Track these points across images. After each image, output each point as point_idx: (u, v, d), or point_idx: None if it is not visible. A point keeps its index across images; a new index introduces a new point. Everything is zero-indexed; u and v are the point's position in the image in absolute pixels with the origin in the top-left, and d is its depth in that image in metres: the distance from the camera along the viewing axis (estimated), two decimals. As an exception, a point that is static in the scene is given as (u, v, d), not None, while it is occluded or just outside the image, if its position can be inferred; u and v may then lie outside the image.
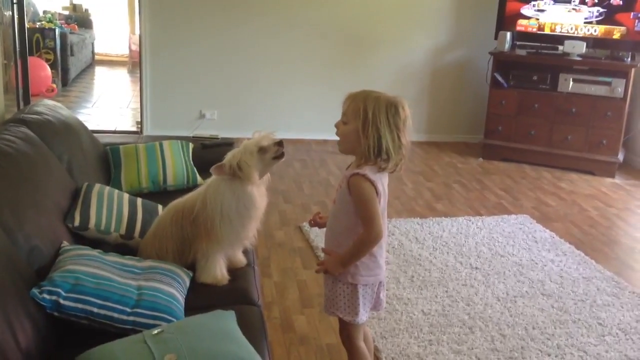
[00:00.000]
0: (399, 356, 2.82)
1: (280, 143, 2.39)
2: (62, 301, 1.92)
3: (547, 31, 5.88)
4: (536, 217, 4.64)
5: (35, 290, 1.90)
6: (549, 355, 2.90)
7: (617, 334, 3.12)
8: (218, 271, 2.42)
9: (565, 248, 4.10)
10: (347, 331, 2.36)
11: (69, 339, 1.98)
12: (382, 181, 2.18)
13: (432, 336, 3.00)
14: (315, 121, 6.36)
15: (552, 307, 3.34)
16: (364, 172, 2.12)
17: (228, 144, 3.86)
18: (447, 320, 3.15)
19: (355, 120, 2.10)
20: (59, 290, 1.93)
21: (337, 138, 2.20)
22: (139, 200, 2.88)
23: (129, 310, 1.99)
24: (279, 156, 2.40)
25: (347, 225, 2.22)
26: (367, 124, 2.08)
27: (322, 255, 3.39)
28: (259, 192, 2.44)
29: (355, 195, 2.15)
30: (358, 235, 2.18)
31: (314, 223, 2.47)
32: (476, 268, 3.74)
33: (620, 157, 5.76)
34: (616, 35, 5.62)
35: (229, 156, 2.39)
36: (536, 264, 3.85)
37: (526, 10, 5.91)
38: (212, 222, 2.39)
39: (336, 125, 2.20)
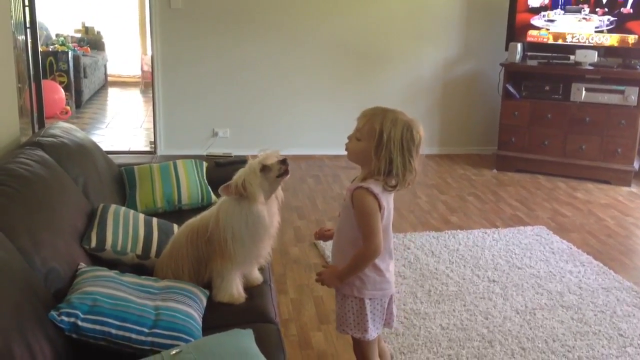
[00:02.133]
0: (418, 372, 2.80)
1: (283, 161, 2.36)
2: (80, 323, 1.92)
3: (558, 41, 5.87)
4: (552, 228, 4.60)
5: (53, 313, 1.90)
6: (571, 367, 2.87)
7: (638, 344, 3.08)
8: (234, 290, 2.42)
9: (583, 258, 4.06)
10: (361, 349, 2.35)
11: (88, 360, 1.98)
12: (387, 197, 2.17)
13: (451, 351, 2.97)
14: (328, 136, 6.37)
15: (572, 318, 3.31)
16: (368, 186, 2.12)
17: (241, 162, 3.86)
18: (466, 334, 3.13)
19: (369, 140, 2.10)
20: (77, 312, 1.93)
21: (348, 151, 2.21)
22: (155, 220, 2.89)
23: (147, 330, 1.99)
24: (282, 174, 2.37)
25: (351, 239, 2.21)
26: (381, 147, 2.07)
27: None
28: (269, 211, 2.42)
29: (357, 208, 2.15)
30: (358, 249, 2.18)
31: (319, 236, 2.48)
32: (494, 281, 3.71)
33: (636, 165, 5.71)
34: (628, 43, 5.59)
35: (235, 176, 2.40)
36: (554, 275, 3.81)
37: (536, 20, 5.90)
38: (224, 242, 2.39)
39: (349, 138, 2.19)
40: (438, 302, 3.44)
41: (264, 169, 2.35)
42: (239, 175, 2.38)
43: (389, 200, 2.18)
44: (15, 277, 1.84)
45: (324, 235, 2.48)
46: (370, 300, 2.25)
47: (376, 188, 2.12)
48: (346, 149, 2.20)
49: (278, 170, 2.36)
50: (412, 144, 2.09)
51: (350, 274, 2.21)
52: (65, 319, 1.91)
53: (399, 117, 2.10)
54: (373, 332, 2.28)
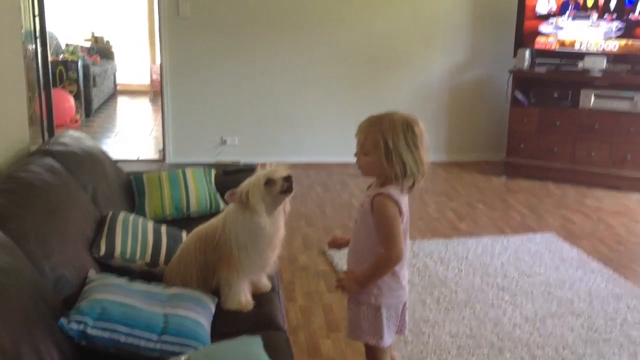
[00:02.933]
0: (428, 379, 2.79)
1: (288, 178, 2.34)
2: (89, 330, 1.92)
3: (566, 48, 5.86)
4: (562, 235, 4.58)
5: (63, 320, 1.91)
6: (581, 375, 2.85)
7: (650, 352, 3.06)
8: (243, 297, 2.42)
9: (593, 266, 4.04)
10: (373, 356, 2.33)
11: (97, 368, 1.99)
12: (405, 202, 2.18)
13: (461, 359, 2.96)
14: (336, 144, 6.37)
15: (582, 326, 3.29)
16: (388, 192, 2.12)
17: (250, 170, 3.88)
18: (475, 342, 3.11)
19: (376, 152, 2.09)
20: (86, 319, 1.94)
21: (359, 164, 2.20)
22: (163, 228, 2.90)
23: (155, 337, 1.99)
24: (286, 190, 2.34)
25: (369, 246, 2.20)
26: (390, 154, 2.07)
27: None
28: (274, 224, 2.40)
29: (378, 215, 2.14)
30: (378, 255, 2.16)
31: (334, 244, 2.46)
32: (503, 288, 3.70)
33: (646, 172, 5.69)
34: (637, 49, 5.57)
35: (242, 184, 2.40)
36: (564, 282, 3.79)
37: (544, 27, 5.90)
38: (230, 249, 2.40)
39: (356, 155, 2.19)
40: (447, 309, 3.43)
41: (268, 182, 2.33)
42: (245, 184, 2.38)
43: (406, 205, 2.18)
44: (25, 284, 1.85)
45: (337, 244, 2.46)
46: (387, 308, 2.24)
47: (396, 194, 2.12)
48: (358, 167, 2.20)
49: (281, 186, 2.34)
50: (416, 139, 2.09)
51: (370, 281, 2.19)
52: (75, 326, 1.91)
53: (395, 119, 2.10)
54: (388, 339, 2.27)
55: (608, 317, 3.39)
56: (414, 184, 2.14)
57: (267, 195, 2.34)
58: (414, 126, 2.10)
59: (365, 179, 2.29)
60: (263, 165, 2.42)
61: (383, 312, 2.23)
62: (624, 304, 3.53)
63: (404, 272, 2.27)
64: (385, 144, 2.07)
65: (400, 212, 2.13)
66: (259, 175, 2.37)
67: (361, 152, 2.16)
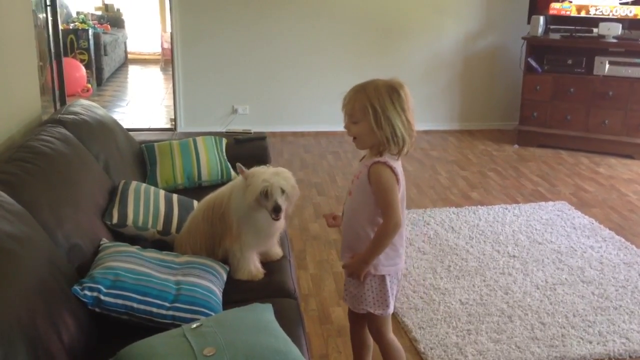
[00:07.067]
0: (438, 346, 2.81)
1: (276, 209, 2.31)
2: (102, 297, 1.95)
3: (581, 14, 5.77)
4: (574, 204, 4.57)
5: (76, 287, 1.94)
6: (591, 342, 2.86)
7: (660, 320, 3.07)
8: (252, 267, 2.43)
9: (605, 234, 4.03)
10: (376, 325, 2.32)
11: (111, 334, 2.01)
12: (400, 168, 2.17)
13: (471, 326, 2.98)
14: (348, 113, 6.33)
15: (593, 294, 3.29)
16: (385, 160, 2.11)
17: (261, 138, 3.89)
18: (485, 309, 3.13)
19: (366, 118, 2.08)
20: (100, 286, 1.96)
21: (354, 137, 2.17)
22: (175, 197, 2.92)
23: (168, 305, 2.02)
24: (272, 215, 2.34)
25: (368, 217, 2.18)
26: (379, 117, 2.06)
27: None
28: (267, 218, 2.39)
29: (375, 183, 2.13)
30: (378, 227, 2.15)
31: (333, 224, 2.40)
32: (514, 256, 3.70)
33: (660, 139, 5.63)
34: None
35: (252, 170, 2.38)
36: (575, 250, 3.79)
37: (559, -7, 5.81)
38: (232, 223, 2.41)
39: (346, 127, 2.17)
40: (458, 277, 3.44)
41: (265, 195, 2.32)
42: (253, 174, 2.36)
43: (402, 171, 2.18)
44: (39, 253, 1.87)
45: (338, 223, 2.39)
46: (389, 275, 2.24)
47: (392, 161, 2.12)
48: (353, 141, 2.17)
49: (270, 209, 2.33)
50: (402, 101, 2.08)
51: (375, 255, 2.17)
52: (88, 293, 1.94)
53: (378, 84, 2.10)
54: (392, 306, 2.28)
55: (619, 284, 3.39)
56: (403, 147, 2.11)
57: (257, 203, 2.34)
58: (399, 89, 2.09)
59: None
60: (275, 173, 2.38)
61: (387, 281, 2.23)
62: (635, 272, 3.53)
63: (402, 240, 2.25)
64: (373, 108, 2.07)
65: (398, 179, 2.13)
66: (262, 181, 2.32)
67: (350, 121, 2.15)
